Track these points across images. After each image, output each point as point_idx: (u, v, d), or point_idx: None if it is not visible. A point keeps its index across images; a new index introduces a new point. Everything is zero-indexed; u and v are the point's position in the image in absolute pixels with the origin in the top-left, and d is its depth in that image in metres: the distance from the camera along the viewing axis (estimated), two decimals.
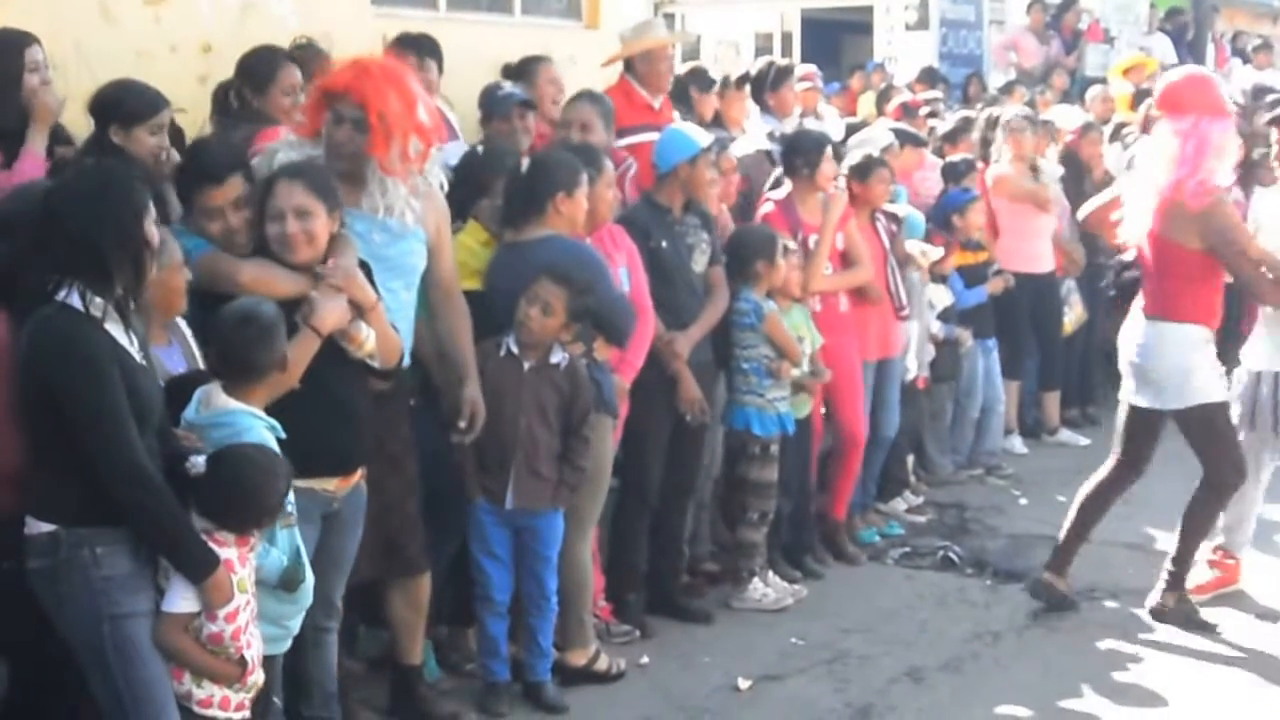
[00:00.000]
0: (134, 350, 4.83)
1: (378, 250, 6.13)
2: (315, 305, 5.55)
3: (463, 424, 6.57)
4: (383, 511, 6.31)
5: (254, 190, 5.88)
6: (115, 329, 4.76)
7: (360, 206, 6.12)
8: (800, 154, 9.01)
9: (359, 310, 5.70)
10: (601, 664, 7.31)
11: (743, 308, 8.24)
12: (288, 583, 5.26)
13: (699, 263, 8.09)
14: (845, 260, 9.08)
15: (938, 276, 10.39)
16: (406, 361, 6.25)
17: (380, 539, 6.34)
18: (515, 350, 6.80)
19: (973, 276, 10.86)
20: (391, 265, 6.20)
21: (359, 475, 5.98)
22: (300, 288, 5.63)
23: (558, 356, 6.84)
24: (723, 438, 8.47)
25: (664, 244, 7.89)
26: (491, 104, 8.50)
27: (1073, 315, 12.15)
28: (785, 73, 11.37)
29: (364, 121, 6.06)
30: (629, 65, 9.18)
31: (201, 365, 5.45)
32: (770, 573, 8.46)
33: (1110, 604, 8.48)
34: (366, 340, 5.72)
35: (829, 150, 9.02)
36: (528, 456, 6.81)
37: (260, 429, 5.14)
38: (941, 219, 10.68)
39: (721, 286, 8.16)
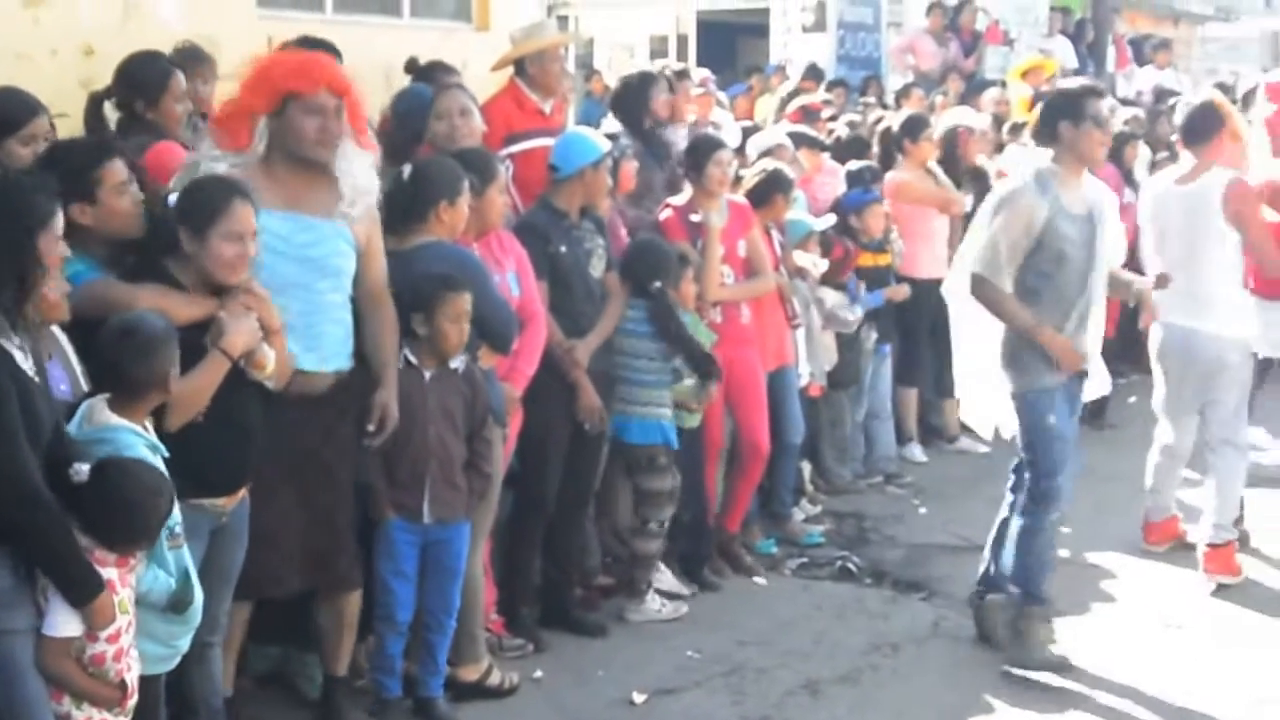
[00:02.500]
0: (28, 366, 4.66)
1: (302, 251, 6.09)
2: (225, 327, 5.49)
3: (371, 427, 6.44)
4: (312, 524, 6.25)
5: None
6: (9, 344, 4.60)
7: (321, 202, 6.17)
8: (697, 158, 8.91)
9: (265, 332, 5.62)
10: (494, 679, 7.18)
11: (638, 316, 8.12)
12: (176, 605, 5.16)
13: (597, 268, 7.98)
14: (748, 270, 8.97)
15: (837, 283, 10.30)
16: (348, 365, 6.26)
17: (310, 552, 6.27)
18: (414, 360, 6.67)
19: (873, 280, 10.78)
20: (317, 265, 6.15)
21: (246, 489, 5.87)
22: (206, 309, 5.55)
23: (456, 361, 6.73)
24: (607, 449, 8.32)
25: (563, 249, 7.78)
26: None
27: None
28: (680, 77, 11.25)
29: (342, 107, 6.12)
30: (520, 68, 9.03)
31: (82, 381, 5.26)
32: (666, 572, 8.38)
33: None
34: (268, 363, 5.63)
35: (723, 154, 8.91)
36: (442, 466, 6.70)
37: (141, 446, 5.00)
38: (842, 221, 10.60)
39: (618, 293, 8.03)
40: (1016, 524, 7.76)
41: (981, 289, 7.47)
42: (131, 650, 4.93)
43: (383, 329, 6.51)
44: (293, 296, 6.03)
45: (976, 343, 7.80)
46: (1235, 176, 8.64)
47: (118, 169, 5.69)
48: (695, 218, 8.72)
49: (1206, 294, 8.68)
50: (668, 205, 9.00)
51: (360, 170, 6.26)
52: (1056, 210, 7.34)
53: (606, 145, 8.07)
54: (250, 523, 5.95)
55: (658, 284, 8.02)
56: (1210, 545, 8.80)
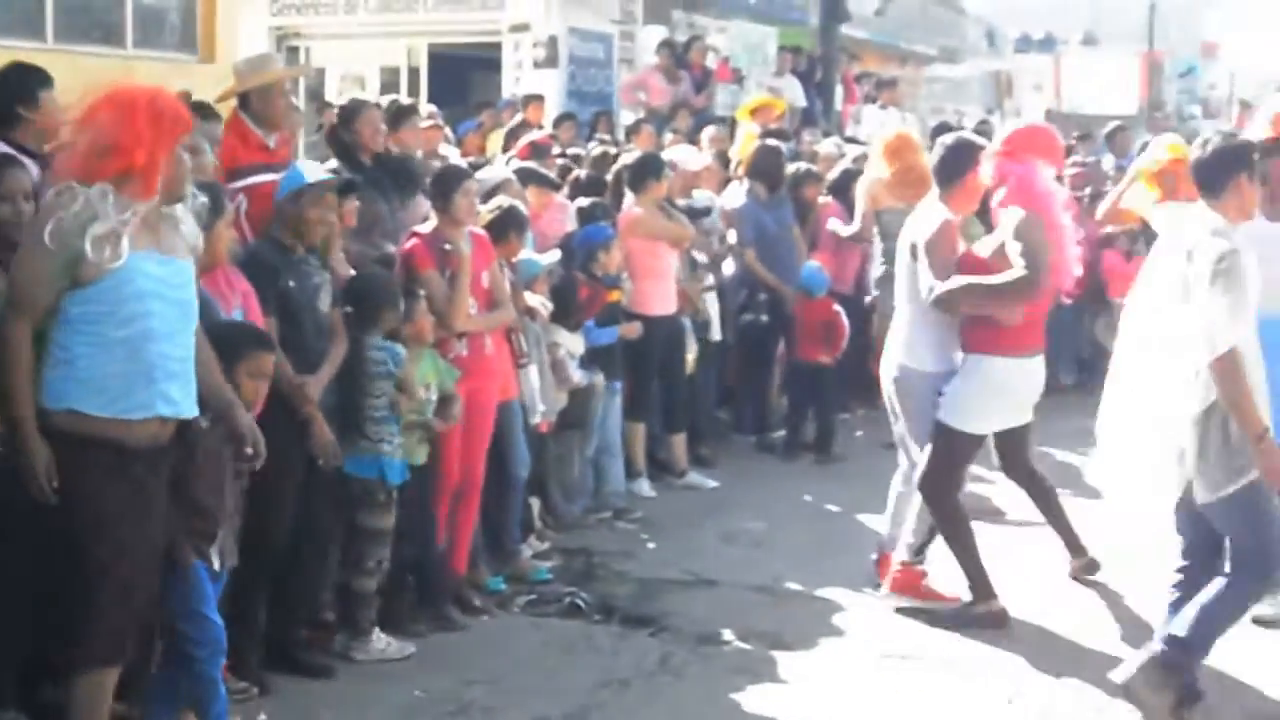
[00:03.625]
0: None
1: (176, 294, 6.00)
2: None
3: (249, 450, 6.40)
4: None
5: None
6: None
7: (175, 242, 6.04)
8: (445, 188, 8.89)
9: None
10: None
11: (377, 356, 8.03)
12: None
13: (324, 303, 7.86)
14: (489, 302, 8.95)
15: (575, 323, 10.32)
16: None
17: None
18: None
19: (604, 316, 10.80)
20: (188, 308, 6.07)
21: None
22: None
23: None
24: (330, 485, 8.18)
25: (291, 284, 7.66)
26: None
27: (691, 355, 12.16)
28: (408, 111, 11.17)
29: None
30: (244, 102, 8.88)
31: None
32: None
33: (740, 646, 8.43)
34: None
35: (470, 185, 8.91)
36: (228, 510, 6.62)
37: None
38: (584, 257, 10.62)
39: (342, 328, 7.94)
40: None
41: (1231, 371, 6.88)
42: None
43: (210, 357, 6.38)
44: (176, 342, 5.94)
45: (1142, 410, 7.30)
46: (945, 220, 8.77)
47: None
48: (448, 246, 8.66)
49: (907, 328, 8.91)
50: (414, 234, 8.94)
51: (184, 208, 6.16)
52: None
53: (315, 176, 7.95)
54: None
55: (348, 309, 7.97)
56: (902, 564, 8.96)
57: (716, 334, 12.91)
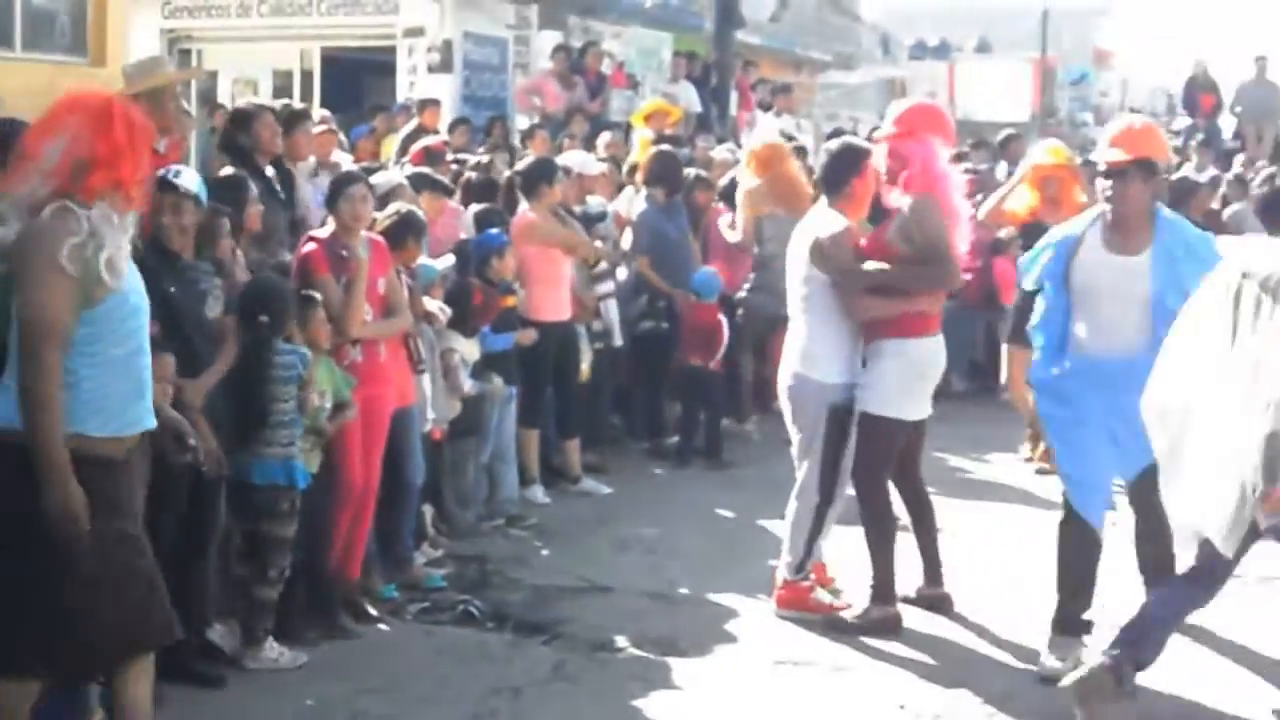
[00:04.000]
0: None
1: (144, 304, 6.00)
2: None
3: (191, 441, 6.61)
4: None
5: None
6: None
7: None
8: (333, 194, 8.86)
9: None
10: None
11: (286, 360, 7.98)
12: None
13: (213, 309, 7.81)
14: (385, 309, 8.90)
15: (472, 329, 10.28)
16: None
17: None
18: None
19: (501, 322, 10.77)
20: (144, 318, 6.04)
21: None
22: None
23: None
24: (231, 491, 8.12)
25: (173, 289, 7.57)
26: None
27: (586, 362, 12.15)
28: (301, 116, 11.09)
29: None
30: None
31: None
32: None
33: (635, 653, 8.42)
34: None
35: (356, 190, 8.85)
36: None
37: None
38: (479, 263, 10.58)
39: (233, 333, 7.87)
40: None
41: None
42: None
43: None
44: (143, 354, 5.91)
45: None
46: (845, 227, 8.80)
47: None
48: (345, 252, 8.61)
49: (803, 338, 8.93)
50: (310, 238, 8.89)
51: None
52: None
53: (193, 184, 7.86)
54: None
55: (263, 319, 7.90)
56: (785, 580, 8.98)
57: (618, 340, 12.92)
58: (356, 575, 8.91)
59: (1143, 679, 7.24)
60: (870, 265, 8.69)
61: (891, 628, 8.72)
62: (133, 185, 5.78)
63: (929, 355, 8.88)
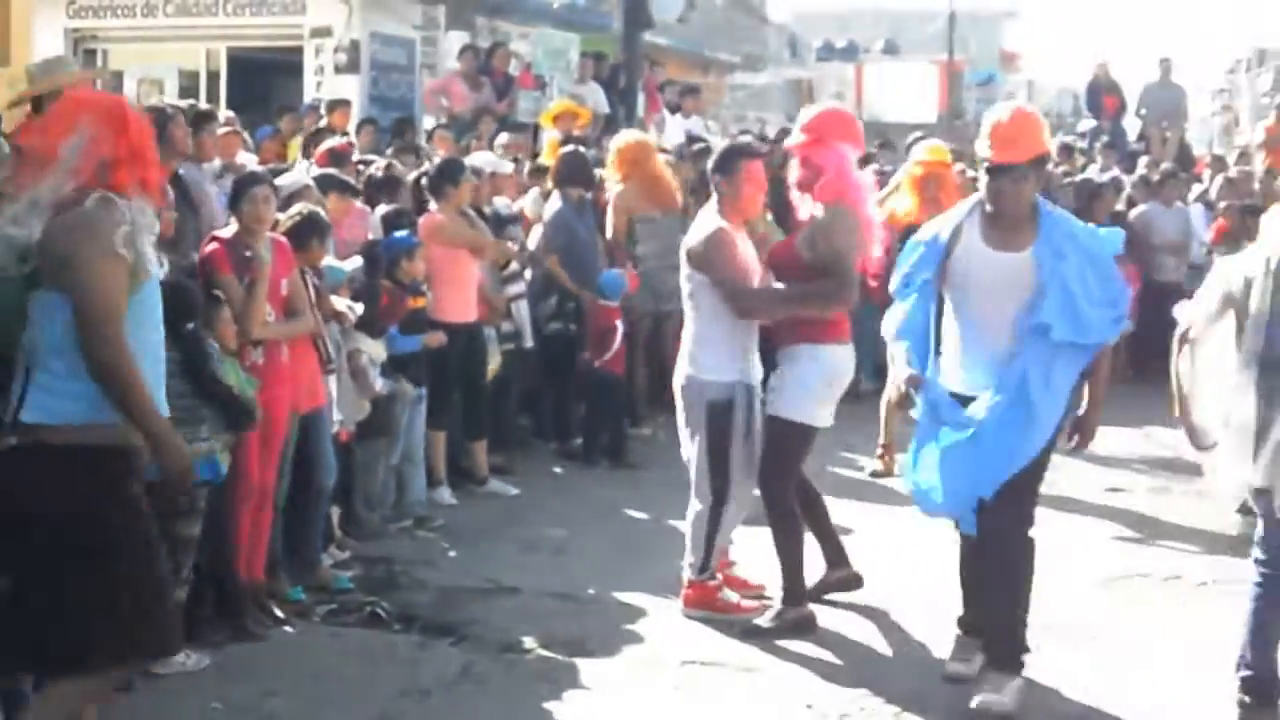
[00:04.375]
0: None
1: None
2: None
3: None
4: None
5: None
6: None
7: None
8: (236, 194, 8.85)
9: None
10: None
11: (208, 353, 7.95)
12: None
13: None
14: (287, 310, 8.87)
15: (379, 330, 10.26)
16: None
17: None
18: None
19: (410, 323, 10.75)
20: None
21: None
22: None
23: None
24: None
25: None
26: None
27: (494, 363, 12.14)
28: (206, 117, 11.03)
29: None
30: (37, 106, 8.72)
31: None
32: None
33: (542, 654, 8.43)
34: None
35: (258, 191, 8.81)
36: None
37: None
38: (389, 264, 10.57)
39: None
40: None
41: None
42: None
43: None
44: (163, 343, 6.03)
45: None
46: (717, 229, 8.84)
47: None
48: (248, 253, 8.57)
49: (692, 339, 8.99)
50: (214, 238, 8.85)
51: None
52: None
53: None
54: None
55: (190, 326, 7.85)
56: (690, 580, 9.02)
57: (528, 341, 12.92)
58: (261, 577, 8.87)
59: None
60: (768, 287, 8.80)
61: (806, 628, 8.75)
62: (158, 181, 6.05)
63: (841, 362, 8.92)
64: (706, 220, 8.91)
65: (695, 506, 8.96)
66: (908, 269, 7.93)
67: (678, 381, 9.03)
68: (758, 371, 8.92)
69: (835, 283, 8.63)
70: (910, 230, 9.80)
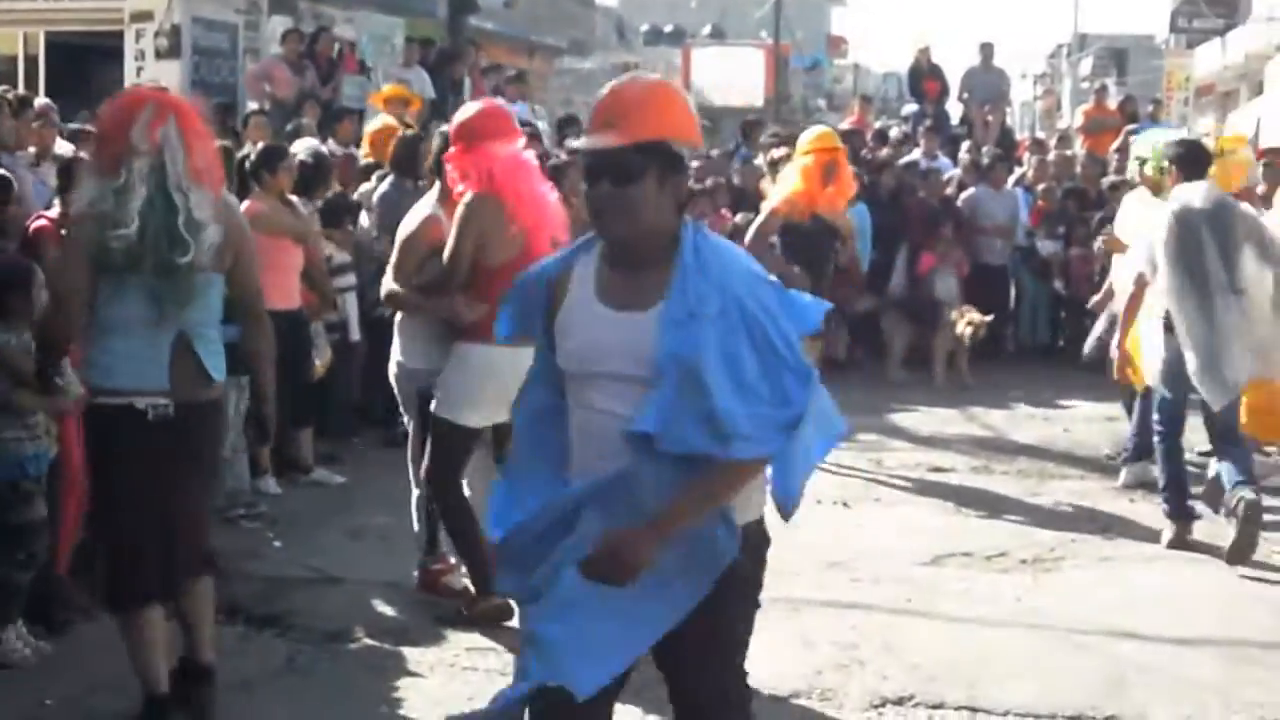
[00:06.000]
0: None
1: None
2: None
3: None
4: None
5: None
6: None
7: None
8: (66, 183, 8.76)
9: None
10: None
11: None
12: None
13: None
14: None
15: None
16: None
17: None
18: None
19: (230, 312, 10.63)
20: None
21: None
22: None
23: None
24: None
25: None
26: None
27: (324, 358, 12.05)
28: (22, 104, 10.87)
29: None
30: None
31: None
32: (20, 625, 8.01)
33: (368, 643, 8.41)
34: None
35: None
36: None
37: None
38: None
39: None
40: None
41: None
42: None
43: None
44: None
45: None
46: (426, 215, 8.76)
47: None
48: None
49: (397, 327, 9.05)
50: (41, 216, 8.80)
51: None
52: None
53: None
54: None
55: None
56: (420, 566, 9.16)
57: (355, 334, 12.87)
58: (66, 569, 8.71)
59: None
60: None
61: (502, 616, 8.49)
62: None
63: (495, 361, 8.28)
64: (420, 208, 8.95)
65: (414, 491, 9.06)
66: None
67: (391, 370, 9.06)
68: None
69: (440, 274, 8.54)
70: (815, 218, 9.93)
